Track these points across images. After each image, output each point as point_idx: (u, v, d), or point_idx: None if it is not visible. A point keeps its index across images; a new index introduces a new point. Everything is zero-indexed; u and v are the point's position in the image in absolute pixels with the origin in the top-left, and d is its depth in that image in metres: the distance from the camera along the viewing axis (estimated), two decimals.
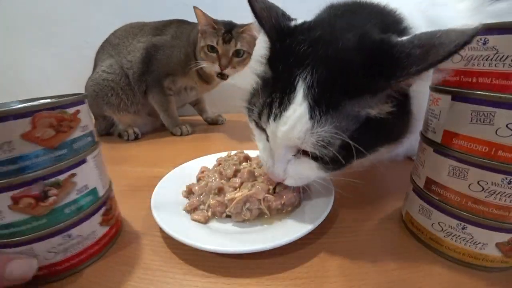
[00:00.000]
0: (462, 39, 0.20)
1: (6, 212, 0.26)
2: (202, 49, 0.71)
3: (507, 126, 0.23)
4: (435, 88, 0.29)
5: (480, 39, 0.23)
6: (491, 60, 0.23)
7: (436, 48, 0.22)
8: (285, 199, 0.35)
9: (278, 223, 0.35)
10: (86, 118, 0.31)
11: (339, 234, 0.35)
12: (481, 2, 0.39)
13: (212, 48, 0.70)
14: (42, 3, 0.95)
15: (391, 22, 0.31)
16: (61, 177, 0.28)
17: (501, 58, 0.22)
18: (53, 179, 0.27)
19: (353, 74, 0.25)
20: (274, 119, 0.28)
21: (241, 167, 0.41)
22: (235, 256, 0.32)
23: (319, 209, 0.35)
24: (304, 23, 0.32)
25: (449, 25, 0.24)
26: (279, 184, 0.36)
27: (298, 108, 0.26)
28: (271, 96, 0.29)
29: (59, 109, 0.27)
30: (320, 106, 0.26)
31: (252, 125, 0.35)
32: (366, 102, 0.26)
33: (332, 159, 0.28)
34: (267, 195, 0.35)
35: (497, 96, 0.23)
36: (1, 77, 1.05)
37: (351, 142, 0.26)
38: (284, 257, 0.31)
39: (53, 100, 0.29)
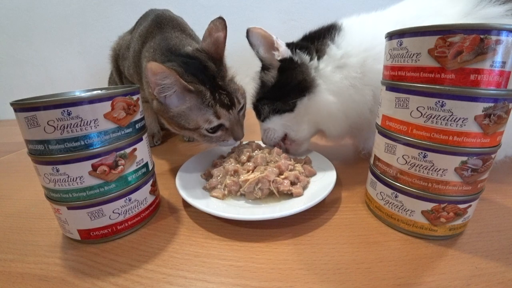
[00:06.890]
0: None
1: (86, 177, 0.31)
2: (192, 132, 0.47)
3: (417, 109, 0.29)
4: (381, 82, 0.35)
5: (398, 41, 0.30)
6: (404, 57, 0.29)
7: None
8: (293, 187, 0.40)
9: (285, 201, 0.39)
10: (141, 104, 0.37)
11: (339, 212, 0.39)
12: (474, 5, 0.41)
13: (218, 127, 0.46)
14: (69, 6, 1.09)
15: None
16: (127, 150, 0.34)
17: (410, 55, 0.29)
18: (122, 152, 0.33)
19: None
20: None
21: (254, 154, 0.47)
22: (248, 225, 0.36)
23: (320, 193, 0.38)
24: None
25: None
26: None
27: None
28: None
29: (128, 95, 0.33)
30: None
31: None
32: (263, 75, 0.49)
33: (277, 109, 0.48)
34: (276, 178, 0.40)
35: (410, 85, 0.29)
36: (33, 74, 1.19)
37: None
38: (290, 228, 0.36)
39: (125, 88, 0.35)
